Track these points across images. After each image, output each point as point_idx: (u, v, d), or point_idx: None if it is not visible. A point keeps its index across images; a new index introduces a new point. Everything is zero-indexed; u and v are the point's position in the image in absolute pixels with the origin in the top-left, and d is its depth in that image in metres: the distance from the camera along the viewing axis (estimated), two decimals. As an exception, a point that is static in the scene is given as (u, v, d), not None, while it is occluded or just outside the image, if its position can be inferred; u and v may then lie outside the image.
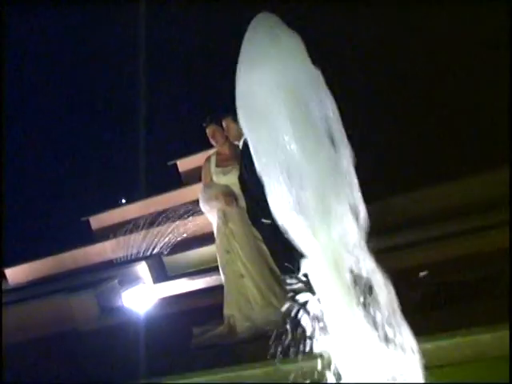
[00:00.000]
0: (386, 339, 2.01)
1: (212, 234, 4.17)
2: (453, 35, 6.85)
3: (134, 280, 6.84)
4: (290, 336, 2.31)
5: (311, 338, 2.14)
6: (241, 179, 3.82)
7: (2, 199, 12.13)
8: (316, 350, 2.11)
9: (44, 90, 15.54)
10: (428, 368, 2.14)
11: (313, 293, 2.08)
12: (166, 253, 7.57)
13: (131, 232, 8.20)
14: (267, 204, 2.08)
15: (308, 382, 2.30)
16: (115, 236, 8.46)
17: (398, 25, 7.56)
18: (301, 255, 2.07)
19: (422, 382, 2.10)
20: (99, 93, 14.90)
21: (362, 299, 2.04)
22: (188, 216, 7.66)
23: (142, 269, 6.96)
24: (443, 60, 7.03)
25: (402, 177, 5.38)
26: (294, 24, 2.16)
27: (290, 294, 2.23)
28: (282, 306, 3.53)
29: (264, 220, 3.46)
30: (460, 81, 6.41)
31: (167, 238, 7.83)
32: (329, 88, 2.10)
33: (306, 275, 2.07)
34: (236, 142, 3.98)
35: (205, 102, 10.38)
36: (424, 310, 2.29)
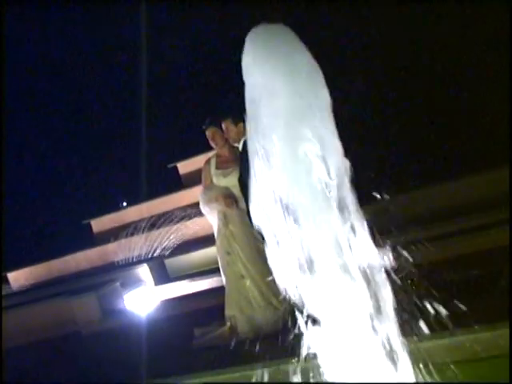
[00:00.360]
0: (385, 339, 2.01)
1: (212, 235, 4.17)
2: (453, 35, 6.86)
3: (136, 282, 6.86)
4: (290, 336, 2.32)
5: (311, 338, 2.15)
6: (241, 181, 3.83)
7: (3, 203, 12.17)
8: (315, 350, 2.12)
9: (44, 92, 15.60)
10: (428, 367, 2.15)
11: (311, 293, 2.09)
12: (167, 255, 7.58)
13: (132, 235, 8.24)
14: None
15: (308, 382, 2.31)
16: (116, 239, 8.49)
17: (398, 25, 7.57)
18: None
19: (422, 381, 2.11)
20: (100, 95, 14.95)
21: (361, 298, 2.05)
22: (188, 218, 7.68)
23: (143, 271, 6.98)
24: (443, 60, 7.04)
25: (402, 177, 5.38)
26: (294, 25, 2.18)
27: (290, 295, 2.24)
28: (282, 306, 3.59)
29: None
30: (460, 81, 6.42)
31: (168, 241, 7.85)
32: (330, 88, 2.12)
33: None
34: (236, 144, 3.99)
35: (205, 105, 10.42)
36: (424, 309, 2.29)
